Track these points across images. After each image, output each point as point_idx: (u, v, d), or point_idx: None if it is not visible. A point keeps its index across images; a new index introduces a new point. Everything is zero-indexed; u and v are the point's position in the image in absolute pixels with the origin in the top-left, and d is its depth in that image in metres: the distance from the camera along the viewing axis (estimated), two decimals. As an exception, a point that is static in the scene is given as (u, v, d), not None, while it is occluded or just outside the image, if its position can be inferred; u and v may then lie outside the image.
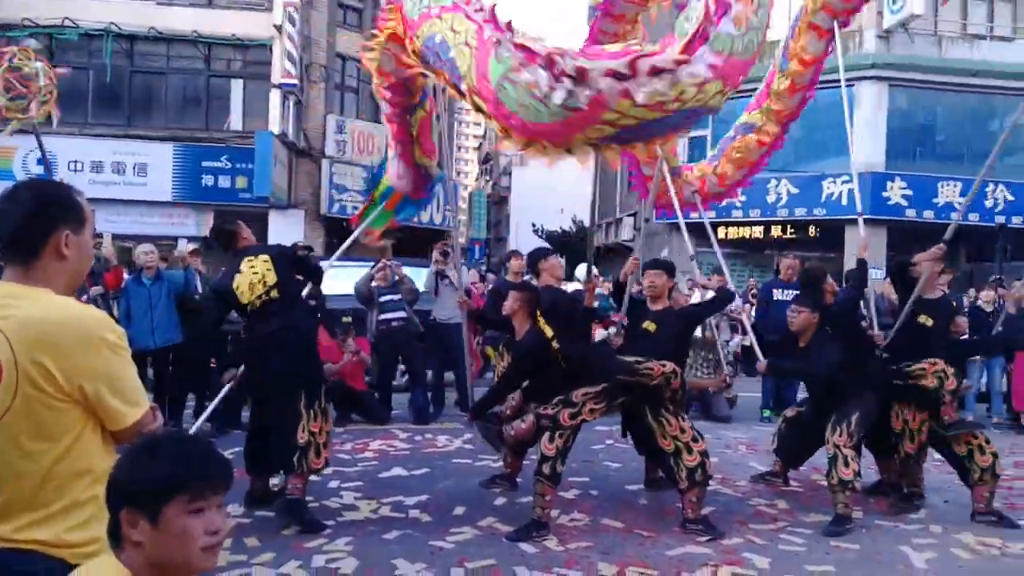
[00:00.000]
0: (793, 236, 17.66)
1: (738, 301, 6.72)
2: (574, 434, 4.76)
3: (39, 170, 14.90)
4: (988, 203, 17.12)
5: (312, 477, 4.82)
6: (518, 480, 5.48)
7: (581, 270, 10.07)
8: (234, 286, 4.74)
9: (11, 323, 1.68)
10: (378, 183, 6.41)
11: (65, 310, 1.76)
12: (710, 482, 4.95)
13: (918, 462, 5.33)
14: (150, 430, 1.82)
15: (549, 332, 4.82)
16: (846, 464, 4.84)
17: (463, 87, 3.76)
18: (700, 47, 3.36)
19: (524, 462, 5.47)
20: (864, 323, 5.93)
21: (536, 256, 5.98)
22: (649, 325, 5.03)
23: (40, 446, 1.69)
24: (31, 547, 1.68)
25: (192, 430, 5.11)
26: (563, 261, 6.11)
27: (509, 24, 3.59)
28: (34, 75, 6.26)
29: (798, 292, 6.58)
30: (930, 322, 5.28)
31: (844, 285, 6.89)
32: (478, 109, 3.81)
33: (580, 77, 3.30)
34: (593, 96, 3.32)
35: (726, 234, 18.74)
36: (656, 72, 3.31)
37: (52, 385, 1.68)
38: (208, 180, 15.63)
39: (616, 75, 3.30)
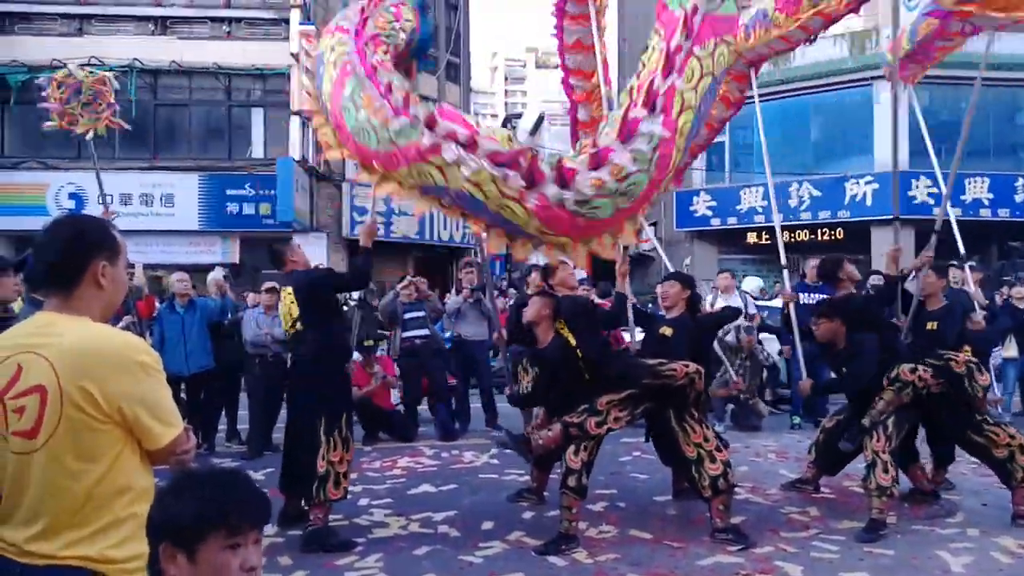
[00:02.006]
0: (817, 239, 17.50)
1: (743, 335, 6.70)
2: (597, 446, 4.76)
3: (71, 204, 15.28)
4: (1019, 198, 16.83)
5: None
6: (545, 494, 5.48)
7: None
8: (280, 313, 4.92)
9: (54, 350, 1.78)
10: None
11: (103, 336, 1.85)
12: (740, 491, 4.90)
13: None
14: (184, 449, 1.90)
15: (572, 341, 4.82)
16: (885, 470, 4.78)
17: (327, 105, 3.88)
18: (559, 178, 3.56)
19: (550, 476, 5.46)
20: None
21: (546, 271, 5.85)
22: (665, 330, 5.07)
23: (83, 466, 1.77)
24: (78, 563, 1.76)
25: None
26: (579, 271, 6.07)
27: (372, 43, 3.77)
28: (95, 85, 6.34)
29: (823, 294, 6.52)
30: (935, 325, 5.45)
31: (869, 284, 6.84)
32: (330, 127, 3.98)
33: (427, 122, 3.48)
34: (430, 143, 3.49)
35: (749, 240, 18.65)
36: (497, 162, 3.46)
37: (94, 408, 1.76)
38: (233, 208, 15.85)
39: (454, 138, 3.48)
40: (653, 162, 3.59)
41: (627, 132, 3.58)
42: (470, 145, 3.49)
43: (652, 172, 3.63)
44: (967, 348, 5.35)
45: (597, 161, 3.54)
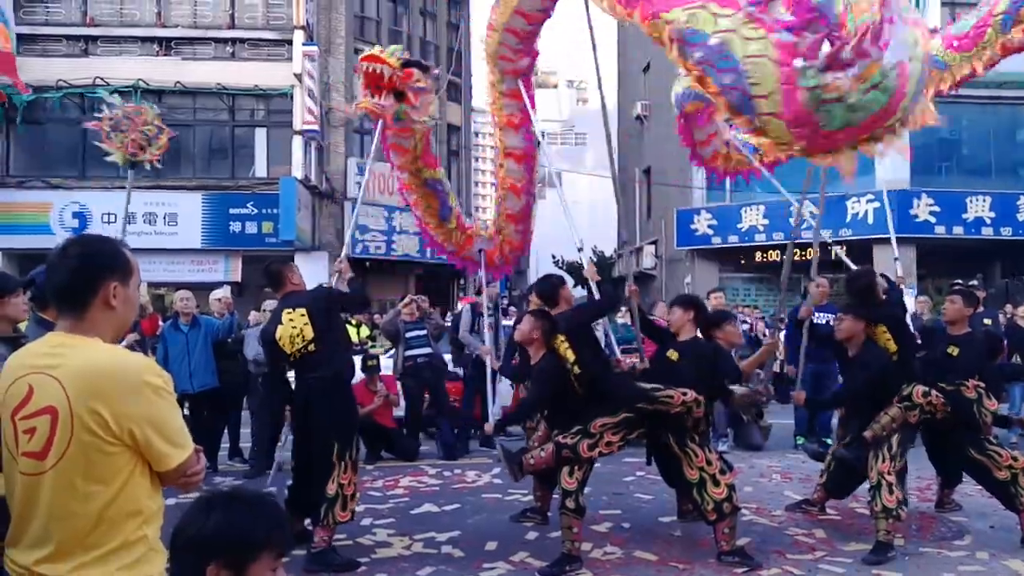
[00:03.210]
0: (820, 258, 17.49)
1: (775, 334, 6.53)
2: (591, 464, 4.73)
3: (74, 223, 15.31)
4: (1021, 216, 16.85)
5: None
6: (548, 513, 5.44)
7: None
8: (277, 336, 4.78)
9: (65, 371, 1.77)
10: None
11: (114, 357, 1.84)
12: (745, 512, 4.85)
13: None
14: (194, 471, 1.88)
15: (572, 356, 4.79)
16: (890, 491, 4.74)
17: (754, 100, 3.34)
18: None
19: (555, 495, 5.42)
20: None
21: (555, 284, 5.45)
22: (672, 354, 5.00)
23: (94, 488, 1.75)
24: None
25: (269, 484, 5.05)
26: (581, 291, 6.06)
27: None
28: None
29: (831, 314, 6.51)
30: (956, 351, 5.32)
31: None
32: (764, 127, 3.43)
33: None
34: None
35: (750, 259, 18.65)
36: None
37: (104, 430, 1.74)
38: (236, 227, 15.91)
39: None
40: (892, 77, 3.20)
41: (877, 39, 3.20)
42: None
43: (891, 89, 3.23)
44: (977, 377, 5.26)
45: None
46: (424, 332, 8.24)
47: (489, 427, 5.23)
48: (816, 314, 8.04)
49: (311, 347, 4.73)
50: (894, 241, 6.35)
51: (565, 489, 4.57)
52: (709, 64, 3.45)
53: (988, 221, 16.76)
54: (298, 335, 4.72)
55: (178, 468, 1.84)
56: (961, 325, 5.51)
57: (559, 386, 4.81)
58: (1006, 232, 16.70)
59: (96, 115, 6.61)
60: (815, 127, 3.32)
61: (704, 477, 4.68)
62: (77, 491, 1.74)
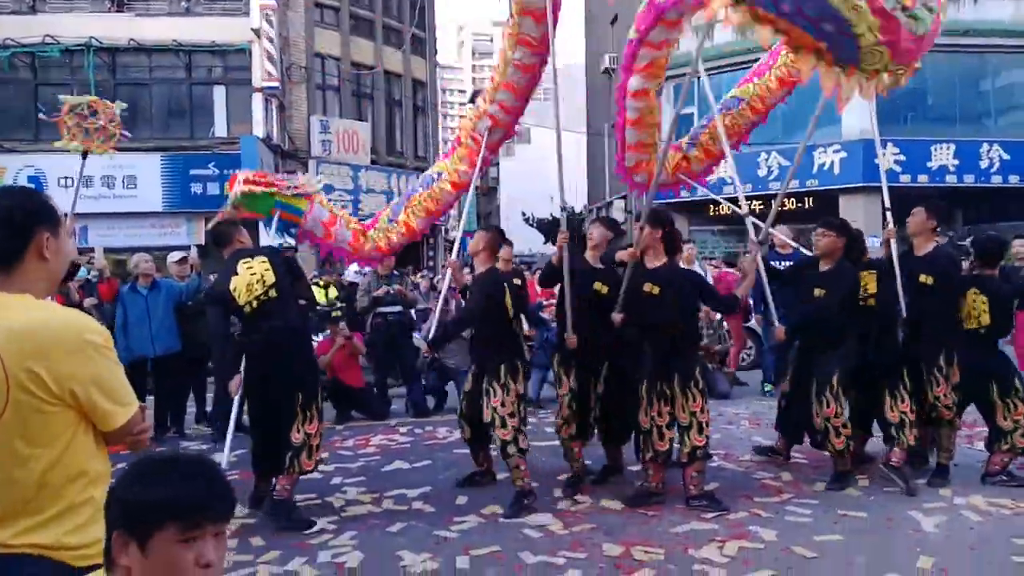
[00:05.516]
0: (787, 208, 17.59)
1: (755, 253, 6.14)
2: (519, 403, 4.81)
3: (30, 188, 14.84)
4: (983, 164, 17.03)
5: (315, 474, 4.81)
6: (496, 474, 5.40)
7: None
8: (231, 288, 4.67)
9: None
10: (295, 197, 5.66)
11: (49, 315, 1.76)
12: (714, 459, 4.88)
13: (953, 428, 5.21)
14: (140, 429, 1.83)
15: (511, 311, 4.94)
16: (837, 434, 4.92)
17: (857, 29, 3.59)
18: None
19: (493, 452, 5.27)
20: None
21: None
22: (652, 288, 4.77)
23: (34, 451, 1.69)
24: (32, 551, 1.68)
25: (223, 462, 4.93)
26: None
27: None
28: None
29: (793, 263, 6.53)
30: (931, 280, 5.12)
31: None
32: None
33: None
34: None
35: (718, 210, 18.70)
36: None
37: (43, 390, 1.68)
38: (197, 188, 15.54)
39: None
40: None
41: None
42: None
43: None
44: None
45: None
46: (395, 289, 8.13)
47: (425, 347, 5.48)
48: (780, 263, 8.12)
49: (272, 292, 4.63)
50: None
51: (502, 439, 4.68)
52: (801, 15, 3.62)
53: (952, 169, 16.94)
54: (258, 281, 4.61)
55: (124, 427, 1.80)
56: (830, 260, 5.17)
57: (494, 304, 4.84)
58: (969, 179, 16.91)
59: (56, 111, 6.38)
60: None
61: (693, 423, 4.72)
62: (16, 455, 1.68)
